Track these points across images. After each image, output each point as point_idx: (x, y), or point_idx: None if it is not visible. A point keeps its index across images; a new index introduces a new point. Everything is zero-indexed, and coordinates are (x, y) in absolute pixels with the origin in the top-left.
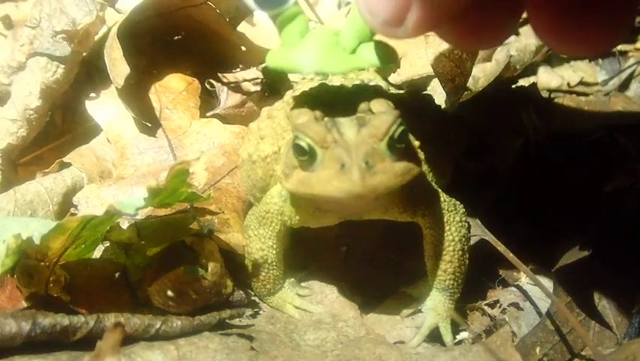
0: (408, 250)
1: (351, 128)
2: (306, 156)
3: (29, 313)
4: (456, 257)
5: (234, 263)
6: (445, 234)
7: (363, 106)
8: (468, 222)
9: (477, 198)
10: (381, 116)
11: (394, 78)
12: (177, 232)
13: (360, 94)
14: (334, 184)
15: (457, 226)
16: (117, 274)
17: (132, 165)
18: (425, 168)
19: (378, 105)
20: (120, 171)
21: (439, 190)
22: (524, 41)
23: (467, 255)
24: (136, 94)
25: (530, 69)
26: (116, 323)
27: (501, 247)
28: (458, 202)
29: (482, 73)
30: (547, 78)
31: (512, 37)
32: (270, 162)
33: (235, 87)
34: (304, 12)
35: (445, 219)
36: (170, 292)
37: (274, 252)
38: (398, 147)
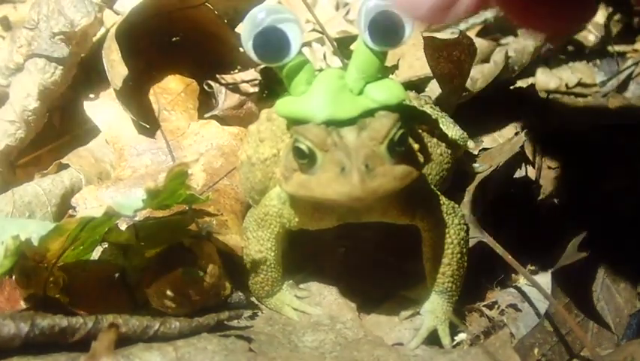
0: (406, 253)
1: (351, 131)
2: (305, 159)
3: (28, 314)
4: (455, 260)
5: (233, 265)
6: (444, 236)
7: None
8: (467, 225)
9: (476, 200)
10: (381, 119)
11: None
12: (175, 234)
13: None
14: (334, 187)
15: (456, 229)
16: (116, 276)
17: (130, 166)
18: (425, 170)
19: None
20: (118, 172)
21: (438, 193)
22: (522, 42)
23: (466, 257)
24: (134, 95)
25: (528, 70)
26: (111, 324)
27: (499, 249)
28: (457, 205)
29: (480, 74)
30: (545, 79)
31: (510, 38)
32: (270, 165)
33: (233, 88)
34: (309, 59)
35: (444, 222)
36: (168, 294)
37: (273, 254)
38: (398, 150)
